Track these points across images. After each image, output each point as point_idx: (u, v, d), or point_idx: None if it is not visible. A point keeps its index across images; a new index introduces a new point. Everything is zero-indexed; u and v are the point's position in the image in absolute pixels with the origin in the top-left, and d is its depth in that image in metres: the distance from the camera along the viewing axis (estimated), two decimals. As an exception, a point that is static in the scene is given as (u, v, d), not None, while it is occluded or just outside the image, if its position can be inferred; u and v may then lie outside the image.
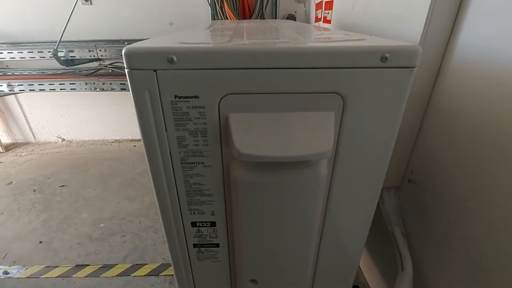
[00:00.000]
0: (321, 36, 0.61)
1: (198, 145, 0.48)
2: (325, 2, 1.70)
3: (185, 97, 0.44)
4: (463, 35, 0.63)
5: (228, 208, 0.55)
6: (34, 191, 1.93)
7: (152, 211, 1.72)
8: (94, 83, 1.76)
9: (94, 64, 2.03)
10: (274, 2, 2.02)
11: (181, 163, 0.49)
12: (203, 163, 0.50)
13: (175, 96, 0.44)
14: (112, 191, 1.89)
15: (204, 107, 0.45)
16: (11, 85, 1.77)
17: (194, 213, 0.55)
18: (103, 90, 1.77)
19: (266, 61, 0.42)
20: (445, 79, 0.68)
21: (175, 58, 0.41)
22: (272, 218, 0.53)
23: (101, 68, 1.92)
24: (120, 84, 1.78)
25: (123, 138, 2.55)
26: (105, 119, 2.44)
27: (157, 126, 0.46)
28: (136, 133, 2.52)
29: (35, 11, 2.03)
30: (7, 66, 2.21)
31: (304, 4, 2.02)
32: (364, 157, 0.50)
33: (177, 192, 0.52)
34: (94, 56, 1.82)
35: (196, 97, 0.44)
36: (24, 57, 1.84)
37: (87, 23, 2.08)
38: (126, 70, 0.43)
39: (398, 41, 0.45)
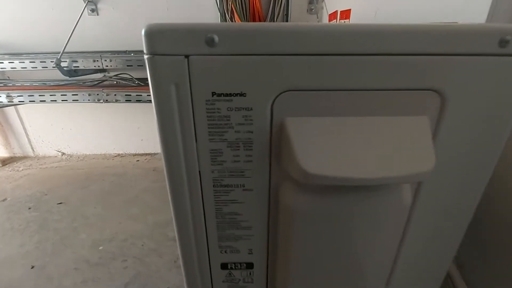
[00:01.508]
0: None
1: (238, 161, 0.34)
2: (340, 11, 1.61)
3: (226, 95, 0.31)
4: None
5: (271, 245, 0.41)
6: (29, 208, 1.78)
7: (157, 232, 1.56)
8: (97, 94, 1.64)
9: (99, 75, 1.92)
10: (285, 13, 1.94)
11: (214, 186, 0.36)
12: (243, 185, 0.36)
13: (213, 93, 0.31)
14: (114, 210, 1.74)
15: (251, 109, 0.32)
16: (10, 96, 1.66)
17: (225, 251, 0.41)
18: (107, 101, 1.65)
19: (343, 43, 0.29)
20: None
21: (216, 39, 0.28)
22: (333, 258, 0.39)
23: (106, 80, 1.82)
24: (125, 95, 1.66)
25: (126, 152, 2.41)
26: (108, 132, 2.31)
27: (184, 135, 0.33)
28: (140, 147, 2.39)
29: (40, 21, 1.94)
30: (8, 77, 2.10)
31: (317, 15, 1.94)
32: (462, 175, 0.37)
33: (205, 224, 0.39)
34: (98, 66, 1.71)
35: (241, 94, 0.31)
36: (26, 67, 1.73)
37: (93, 34, 1.98)
38: (145, 57, 0.30)
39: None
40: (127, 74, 1.87)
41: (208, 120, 0.32)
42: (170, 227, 1.69)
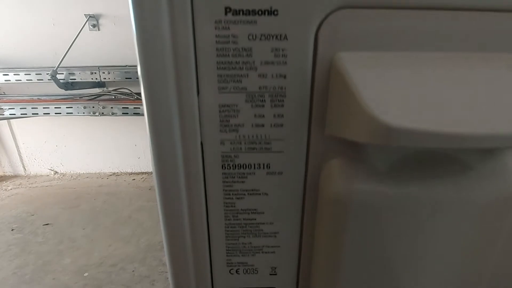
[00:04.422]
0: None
1: (262, 125, 0.22)
2: None
3: (247, 13, 0.19)
4: None
5: (306, 261, 0.27)
6: (12, 230, 1.61)
7: (150, 255, 1.39)
8: (93, 107, 1.54)
9: (97, 91, 1.83)
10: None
11: (224, 166, 0.23)
12: (267, 166, 0.23)
13: (227, 10, 0.19)
14: (104, 231, 1.57)
15: (285, 38, 0.20)
16: (1, 108, 1.55)
17: (237, 271, 0.27)
18: (103, 114, 1.54)
19: None
20: None
21: None
22: (404, 278, 0.25)
23: (104, 94, 1.72)
24: (122, 108, 1.56)
25: (122, 171, 2.26)
26: (103, 150, 2.19)
27: (179, 83, 0.21)
28: (137, 166, 2.25)
29: (41, 37, 1.89)
30: (4, 92, 2.01)
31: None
32: None
33: (207, 227, 0.25)
34: (96, 79, 1.63)
35: (271, 12, 0.19)
36: (20, 79, 1.63)
37: (94, 50, 1.92)
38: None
39: None
40: (126, 88, 1.78)
41: (218, 56, 0.20)
42: (165, 251, 1.51)
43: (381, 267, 0.25)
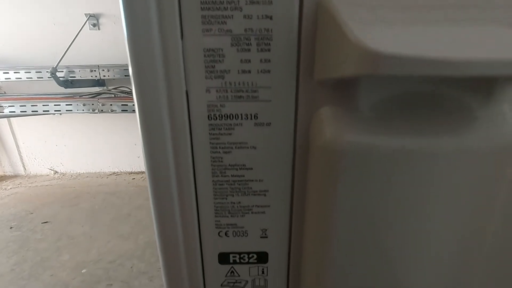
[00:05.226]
0: None
1: (249, 71, 0.21)
2: None
3: None
4: None
5: (297, 222, 0.26)
6: (11, 228, 1.60)
7: (148, 252, 1.37)
8: (92, 104, 1.54)
9: (96, 89, 1.83)
10: None
11: (210, 117, 0.22)
12: (255, 116, 0.23)
13: None
14: (103, 228, 1.56)
15: (270, -26, 0.19)
16: (1, 106, 1.55)
17: (226, 233, 0.26)
18: (102, 111, 1.54)
19: None
20: None
21: None
22: (401, 240, 0.24)
23: (104, 92, 1.72)
24: (122, 105, 1.55)
25: (122, 170, 2.26)
26: (103, 150, 2.18)
27: (162, 27, 0.20)
28: (136, 165, 2.24)
29: (41, 36, 1.90)
30: (5, 92, 2.02)
31: None
32: None
33: (195, 185, 0.25)
34: (96, 76, 1.63)
35: None
36: (20, 78, 1.64)
37: (95, 49, 1.93)
38: None
39: None
40: (126, 87, 1.78)
41: (201, -6, 0.19)
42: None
43: (375, 227, 0.24)
